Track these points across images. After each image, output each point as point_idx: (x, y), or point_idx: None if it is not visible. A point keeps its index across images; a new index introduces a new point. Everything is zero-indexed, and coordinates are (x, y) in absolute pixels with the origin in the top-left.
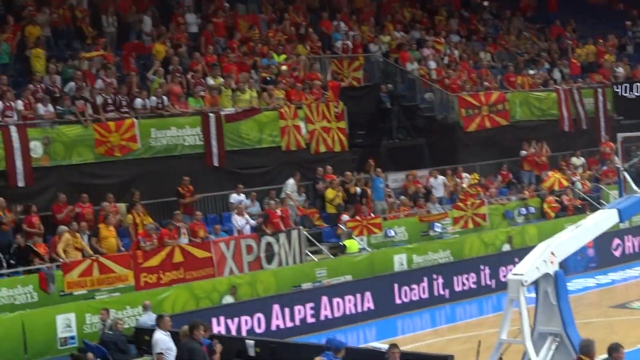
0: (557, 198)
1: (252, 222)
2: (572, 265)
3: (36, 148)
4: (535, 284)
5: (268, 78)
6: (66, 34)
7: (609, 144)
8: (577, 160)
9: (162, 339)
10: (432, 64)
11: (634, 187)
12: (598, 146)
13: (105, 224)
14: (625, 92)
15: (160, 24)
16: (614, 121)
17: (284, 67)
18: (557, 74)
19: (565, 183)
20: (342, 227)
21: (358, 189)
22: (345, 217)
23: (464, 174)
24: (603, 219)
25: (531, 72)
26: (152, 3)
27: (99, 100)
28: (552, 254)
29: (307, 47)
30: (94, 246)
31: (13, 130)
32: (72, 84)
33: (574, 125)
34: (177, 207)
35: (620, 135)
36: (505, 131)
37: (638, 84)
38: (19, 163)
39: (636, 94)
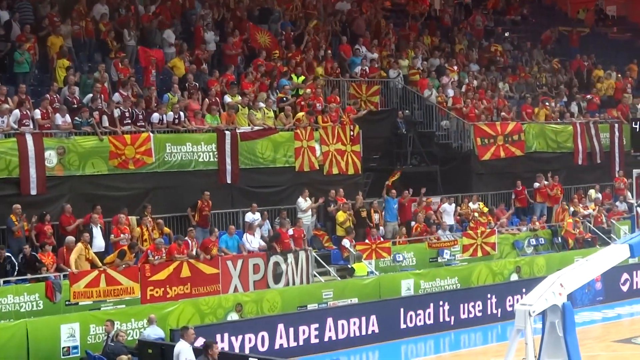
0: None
1: (262, 242)
2: (579, 298)
3: (51, 157)
4: (543, 314)
5: (285, 98)
6: (88, 45)
7: (623, 179)
8: (594, 194)
9: (186, 349)
10: (450, 92)
11: None
12: (611, 181)
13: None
14: None
15: (181, 39)
16: (630, 157)
17: (308, 91)
18: (574, 107)
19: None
20: (351, 249)
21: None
22: (345, 241)
23: (470, 203)
24: (614, 254)
25: (549, 104)
26: (176, 18)
27: (116, 113)
28: (561, 285)
29: (326, 70)
30: None
31: (29, 139)
32: (90, 96)
33: (588, 159)
34: (191, 221)
35: (635, 172)
36: (519, 162)
37: None
38: (32, 171)
39: None
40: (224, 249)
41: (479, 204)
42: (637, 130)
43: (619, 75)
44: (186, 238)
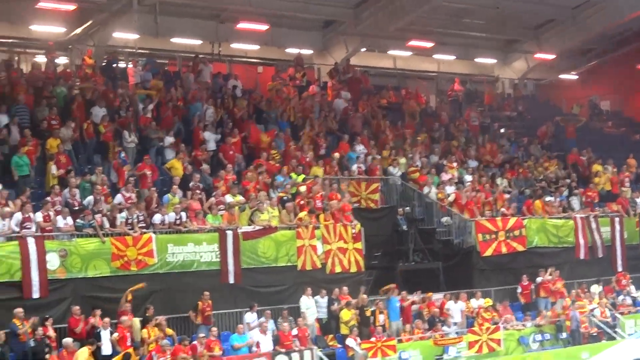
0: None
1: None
2: None
3: (53, 260)
4: None
5: (285, 198)
6: (88, 147)
7: (626, 275)
8: (597, 288)
9: None
10: (450, 189)
11: None
12: (613, 275)
13: None
14: None
15: (180, 141)
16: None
17: (302, 188)
18: (574, 202)
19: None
20: (356, 348)
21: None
22: (350, 340)
23: (474, 300)
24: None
25: (548, 199)
26: (177, 119)
27: (121, 217)
28: None
29: (325, 169)
30: None
31: (30, 242)
32: (90, 198)
33: (590, 254)
34: (193, 322)
35: None
36: (521, 257)
37: None
38: (34, 275)
39: None
40: (237, 345)
41: (483, 300)
42: None
43: (615, 169)
44: (195, 342)
